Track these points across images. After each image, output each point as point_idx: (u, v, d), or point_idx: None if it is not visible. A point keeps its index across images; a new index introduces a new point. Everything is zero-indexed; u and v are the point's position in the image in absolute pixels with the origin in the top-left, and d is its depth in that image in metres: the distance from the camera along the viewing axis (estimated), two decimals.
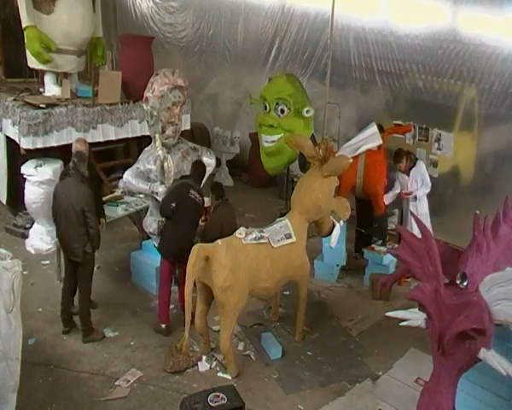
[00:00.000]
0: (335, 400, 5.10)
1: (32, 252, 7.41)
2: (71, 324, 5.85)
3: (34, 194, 7.29)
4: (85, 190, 5.50)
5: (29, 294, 5.94)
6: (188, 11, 11.48)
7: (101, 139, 7.95)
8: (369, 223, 7.61)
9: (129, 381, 5.19)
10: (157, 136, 6.39)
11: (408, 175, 7.06)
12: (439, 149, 7.89)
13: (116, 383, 5.15)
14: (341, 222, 6.07)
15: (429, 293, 3.77)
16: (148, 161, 6.53)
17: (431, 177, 7.87)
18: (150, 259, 6.77)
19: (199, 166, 6.20)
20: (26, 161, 7.42)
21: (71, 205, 5.43)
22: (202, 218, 7.28)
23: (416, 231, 4.22)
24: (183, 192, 5.85)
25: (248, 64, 10.67)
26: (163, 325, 5.91)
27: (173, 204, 5.77)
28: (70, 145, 6.57)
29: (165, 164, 6.37)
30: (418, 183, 7.03)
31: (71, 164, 5.66)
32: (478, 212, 4.07)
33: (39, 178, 7.21)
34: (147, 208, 6.90)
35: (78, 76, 8.77)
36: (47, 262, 7.13)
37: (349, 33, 8.84)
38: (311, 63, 9.54)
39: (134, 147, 8.35)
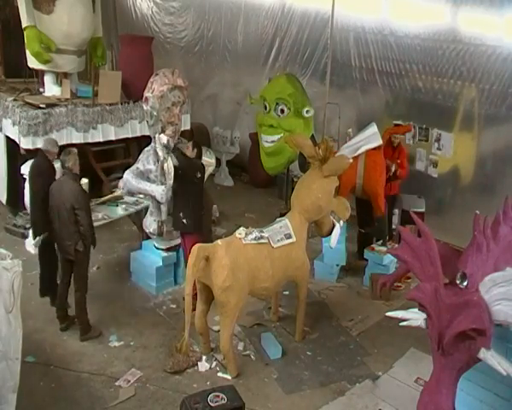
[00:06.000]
0: (335, 400, 5.10)
1: (32, 252, 7.40)
2: (68, 320, 5.87)
3: None
4: (76, 187, 5.53)
5: (29, 294, 5.94)
6: (188, 11, 11.48)
7: (101, 139, 7.94)
8: (368, 223, 7.61)
9: (129, 381, 5.19)
10: (162, 136, 6.38)
11: None
12: (438, 149, 7.90)
13: (116, 384, 5.15)
14: (341, 222, 6.07)
15: (429, 293, 3.77)
16: (147, 161, 6.53)
17: (431, 177, 7.89)
18: (150, 259, 6.78)
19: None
20: (26, 160, 7.41)
21: (62, 203, 5.47)
22: None
23: None
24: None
25: (248, 64, 10.67)
26: None
27: (199, 174, 6.08)
28: (70, 145, 6.60)
29: (165, 164, 6.37)
30: None
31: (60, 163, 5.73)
32: (478, 212, 4.07)
33: None
34: (147, 208, 6.90)
35: (78, 76, 8.76)
36: None
37: (349, 33, 8.84)
38: (311, 63, 9.53)
39: (134, 147, 8.35)
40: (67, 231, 5.51)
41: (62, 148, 6.10)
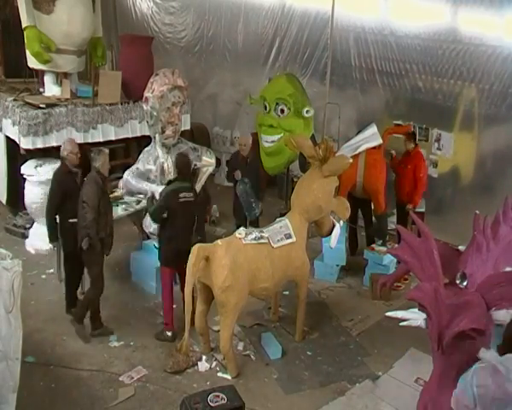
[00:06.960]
0: (335, 400, 5.10)
1: (32, 252, 7.41)
2: (99, 325, 5.89)
3: (34, 194, 7.28)
4: (92, 186, 5.49)
5: (29, 294, 5.94)
6: (188, 11, 11.47)
7: (101, 139, 7.94)
8: (367, 223, 7.61)
9: (132, 377, 5.21)
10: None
11: None
12: (438, 149, 7.91)
13: (120, 379, 5.18)
14: (341, 222, 6.07)
15: (429, 293, 3.76)
16: (147, 161, 6.54)
17: (431, 177, 7.88)
18: (150, 259, 6.77)
19: (182, 160, 5.82)
20: (26, 161, 7.42)
21: (81, 197, 5.53)
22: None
23: None
24: (172, 200, 5.63)
25: (248, 64, 10.67)
26: (169, 333, 5.76)
27: (164, 214, 5.60)
28: None
29: (165, 165, 6.37)
30: None
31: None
32: (478, 212, 4.07)
33: (39, 178, 7.21)
34: (147, 208, 6.89)
35: (78, 76, 8.77)
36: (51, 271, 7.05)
37: (349, 33, 8.85)
38: (311, 63, 9.53)
39: (134, 147, 8.35)
40: (79, 224, 5.56)
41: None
